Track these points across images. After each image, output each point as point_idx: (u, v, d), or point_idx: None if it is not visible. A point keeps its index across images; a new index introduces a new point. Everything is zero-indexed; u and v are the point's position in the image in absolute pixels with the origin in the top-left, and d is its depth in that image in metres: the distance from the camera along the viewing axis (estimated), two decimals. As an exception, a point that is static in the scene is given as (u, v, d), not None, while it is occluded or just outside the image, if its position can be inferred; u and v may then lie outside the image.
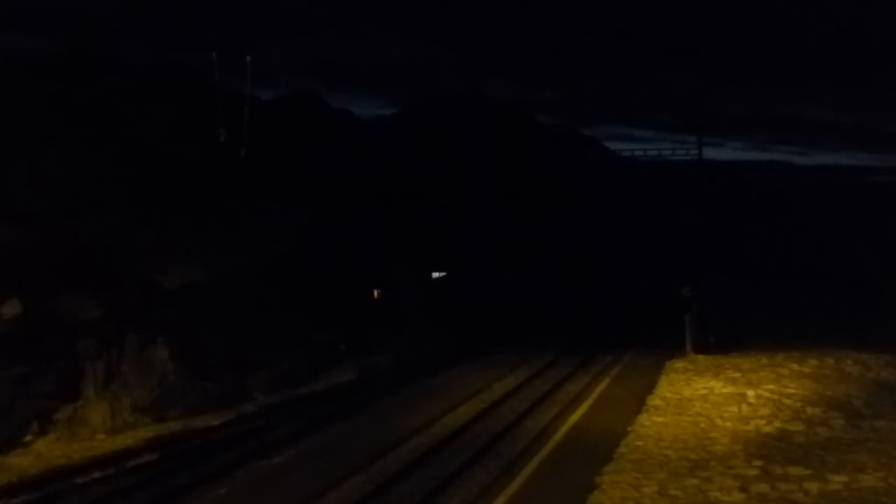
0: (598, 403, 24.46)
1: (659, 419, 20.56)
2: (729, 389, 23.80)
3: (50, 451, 18.84)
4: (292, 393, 26.66)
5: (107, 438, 20.06)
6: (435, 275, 52.41)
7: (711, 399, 22.69)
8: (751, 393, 22.89)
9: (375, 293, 40.95)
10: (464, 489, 16.38)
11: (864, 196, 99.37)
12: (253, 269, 30.30)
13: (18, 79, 31.15)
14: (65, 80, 34.54)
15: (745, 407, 21.33)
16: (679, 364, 29.82)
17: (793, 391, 22.97)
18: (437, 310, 46.40)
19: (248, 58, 34.01)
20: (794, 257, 72.78)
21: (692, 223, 36.14)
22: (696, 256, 35.53)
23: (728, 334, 33.51)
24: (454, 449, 19.37)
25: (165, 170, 31.92)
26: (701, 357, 30.90)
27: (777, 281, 65.56)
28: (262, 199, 35.11)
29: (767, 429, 19.00)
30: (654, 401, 23.04)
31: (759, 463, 16.06)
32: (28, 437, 19.43)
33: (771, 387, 23.66)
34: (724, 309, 35.00)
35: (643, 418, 20.78)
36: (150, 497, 15.88)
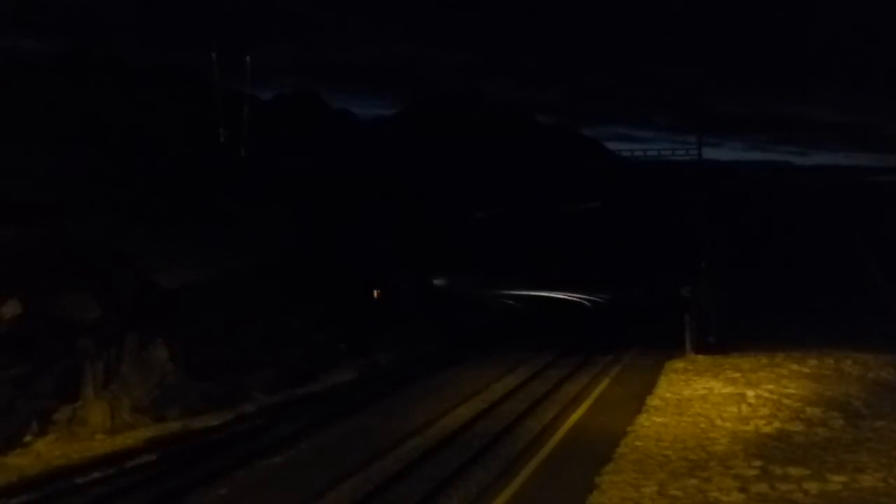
0: (597, 404, 24.44)
1: (658, 419, 20.55)
2: (728, 390, 23.79)
3: (49, 452, 18.83)
4: (292, 393, 26.65)
5: (106, 439, 20.05)
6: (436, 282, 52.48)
7: (711, 399, 22.68)
8: (750, 393, 22.89)
9: (375, 293, 41.01)
10: (463, 489, 16.37)
11: (864, 196, 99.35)
12: (253, 269, 30.32)
13: (19, 79, 31.17)
14: (65, 80, 34.56)
15: (744, 407, 21.32)
16: (679, 364, 29.82)
17: (792, 391, 22.97)
18: (436, 309, 46.37)
19: (247, 58, 34.09)
20: (794, 257, 72.79)
21: (691, 223, 36.16)
22: (696, 256, 35.54)
23: (728, 334, 33.50)
24: (454, 449, 19.36)
25: (165, 170, 31.94)
26: (700, 357, 30.90)
27: (776, 281, 65.58)
28: (262, 199, 35.13)
29: (767, 429, 18.99)
30: (653, 401, 23.03)
31: (758, 463, 16.05)
32: (28, 438, 19.42)
33: (770, 387, 23.65)
34: (723, 309, 34.98)
35: (643, 418, 20.77)
36: (150, 497, 15.86)
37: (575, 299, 73.89)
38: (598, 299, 71.72)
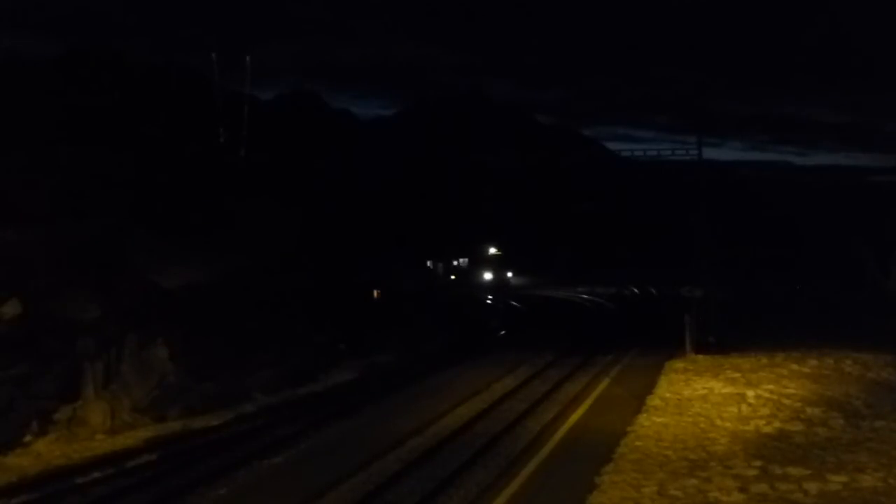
0: (597, 403, 24.45)
1: (658, 419, 20.54)
2: (728, 390, 23.79)
3: (49, 452, 18.82)
4: (292, 393, 26.65)
5: (106, 439, 20.04)
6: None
7: (711, 399, 22.68)
8: (750, 393, 22.88)
9: (375, 293, 41.05)
10: (463, 489, 16.37)
11: (864, 196, 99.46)
12: (253, 269, 30.33)
13: (20, 79, 31.17)
14: (66, 80, 34.57)
15: (744, 407, 21.32)
16: (679, 364, 29.82)
17: (792, 391, 22.97)
18: (436, 309, 46.32)
19: (247, 58, 34.14)
20: (794, 257, 72.86)
21: (691, 223, 36.24)
22: (696, 256, 35.64)
23: (728, 334, 33.50)
24: (454, 449, 19.36)
25: (165, 170, 31.95)
26: (700, 357, 30.91)
27: (776, 281, 65.64)
28: (262, 199, 35.13)
29: (767, 429, 18.99)
30: (653, 401, 23.02)
31: (758, 463, 16.04)
32: (28, 438, 19.41)
33: (770, 387, 23.65)
34: (723, 309, 35.02)
35: (643, 418, 20.77)
36: (150, 497, 15.86)
37: (575, 298, 74.06)
38: (598, 299, 71.92)
